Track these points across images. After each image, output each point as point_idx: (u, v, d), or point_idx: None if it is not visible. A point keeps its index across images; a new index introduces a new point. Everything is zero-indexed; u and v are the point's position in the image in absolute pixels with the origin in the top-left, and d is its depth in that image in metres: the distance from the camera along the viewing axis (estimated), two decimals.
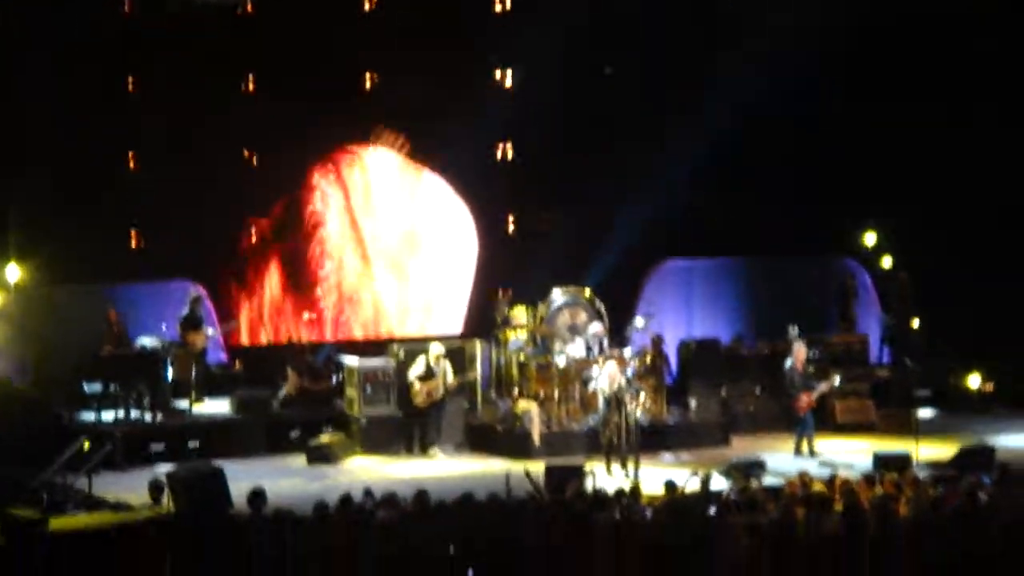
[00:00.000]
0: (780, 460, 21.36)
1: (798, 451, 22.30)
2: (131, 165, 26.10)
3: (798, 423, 22.41)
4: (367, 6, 27.36)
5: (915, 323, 26.66)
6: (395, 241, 27.87)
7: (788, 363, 22.82)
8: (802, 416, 22.38)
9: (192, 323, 24.26)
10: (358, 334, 27.41)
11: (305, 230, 27.28)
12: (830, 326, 26.68)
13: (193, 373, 24.09)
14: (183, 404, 23.72)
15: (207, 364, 24.89)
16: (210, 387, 24.60)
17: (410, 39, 26.75)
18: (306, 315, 26.70)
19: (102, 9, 25.26)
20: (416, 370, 23.03)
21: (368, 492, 16.49)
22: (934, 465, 20.18)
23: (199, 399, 24.11)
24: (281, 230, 27.13)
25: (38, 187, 23.74)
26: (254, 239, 26.97)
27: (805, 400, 22.40)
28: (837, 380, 22.98)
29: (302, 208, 27.26)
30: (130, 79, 25.87)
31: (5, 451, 19.82)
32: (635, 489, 16.56)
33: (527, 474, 17.81)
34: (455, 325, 27.83)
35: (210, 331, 24.61)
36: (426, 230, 28.10)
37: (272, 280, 27.03)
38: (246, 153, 26.78)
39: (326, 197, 27.41)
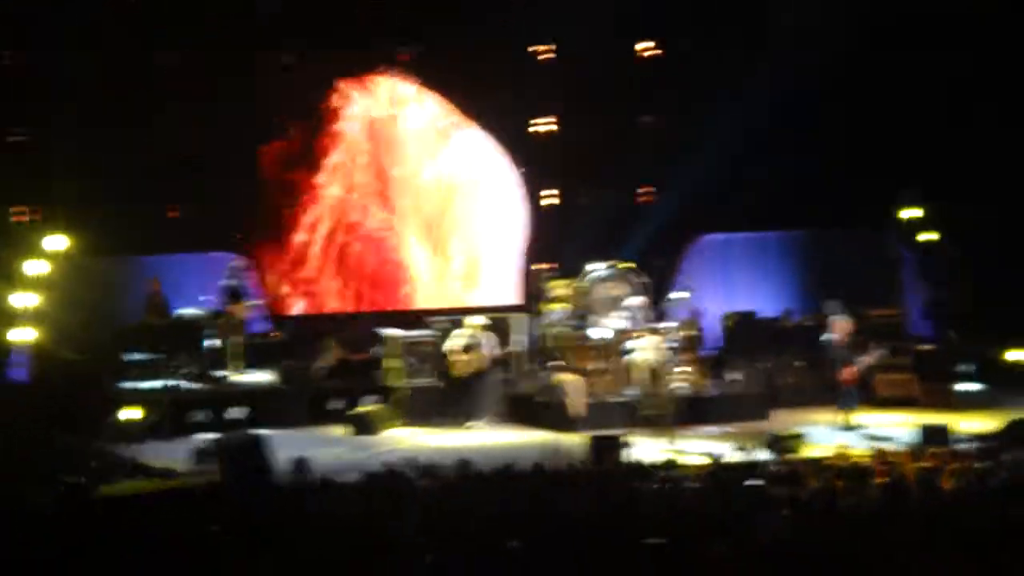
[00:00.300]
0: (821, 433, 21.38)
1: (843, 425, 22.32)
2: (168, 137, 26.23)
3: (842, 396, 22.45)
4: None
5: (959, 296, 26.57)
6: (436, 205, 27.80)
7: (825, 337, 22.83)
8: (845, 389, 22.42)
9: (233, 293, 24.40)
10: (399, 305, 27.43)
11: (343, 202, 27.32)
12: (871, 299, 26.60)
13: (233, 343, 24.25)
14: (224, 373, 23.88)
15: (249, 334, 25.02)
16: (252, 357, 24.73)
17: (450, 13, 26.78)
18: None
19: None
20: (457, 341, 23.11)
21: (410, 463, 16.60)
22: (978, 438, 20.17)
23: (241, 369, 24.25)
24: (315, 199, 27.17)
25: (82, 158, 23.89)
26: (293, 207, 27.06)
27: (847, 373, 22.42)
28: (880, 353, 22.96)
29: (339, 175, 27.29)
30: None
31: (52, 419, 20.00)
32: (679, 462, 16.63)
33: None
34: (503, 296, 27.69)
35: (252, 302, 24.74)
36: (469, 191, 28.00)
37: (313, 250, 27.08)
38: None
39: (360, 154, 27.38)
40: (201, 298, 24.12)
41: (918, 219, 27.45)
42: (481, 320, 23.24)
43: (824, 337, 22.80)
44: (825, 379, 23.36)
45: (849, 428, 22.08)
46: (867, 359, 22.68)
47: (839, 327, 22.75)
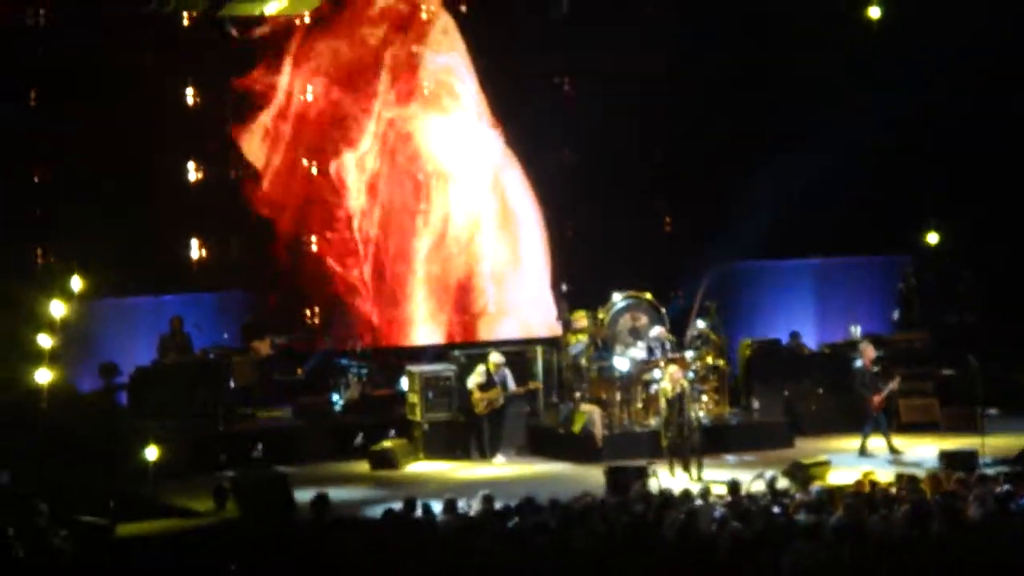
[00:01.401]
0: (844, 460, 21.28)
1: (863, 452, 22.23)
2: (192, 175, 26.18)
3: (870, 423, 22.39)
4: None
5: (979, 321, 26.44)
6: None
7: (858, 363, 22.79)
8: (875, 416, 22.34)
9: (256, 330, 24.35)
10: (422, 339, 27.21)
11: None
12: (892, 325, 26.47)
13: (256, 380, 24.23)
14: (246, 411, 23.83)
15: (271, 371, 24.93)
16: (274, 393, 24.67)
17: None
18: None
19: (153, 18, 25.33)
20: (476, 379, 23.06)
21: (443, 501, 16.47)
22: (1000, 462, 20.04)
23: (265, 406, 24.21)
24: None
25: (101, 198, 23.94)
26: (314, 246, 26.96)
27: (877, 400, 22.38)
28: (899, 379, 22.95)
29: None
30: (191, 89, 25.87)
31: (71, 458, 19.98)
32: (706, 491, 16.52)
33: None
34: (526, 328, 27.38)
35: (274, 339, 24.65)
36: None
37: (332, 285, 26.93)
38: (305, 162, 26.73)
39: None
40: (225, 335, 24.10)
41: (937, 244, 27.36)
42: (497, 357, 23.15)
43: (857, 364, 22.74)
44: (848, 405, 23.29)
45: (888, 453, 21.99)
46: (893, 385, 22.64)
47: (868, 354, 22.70)
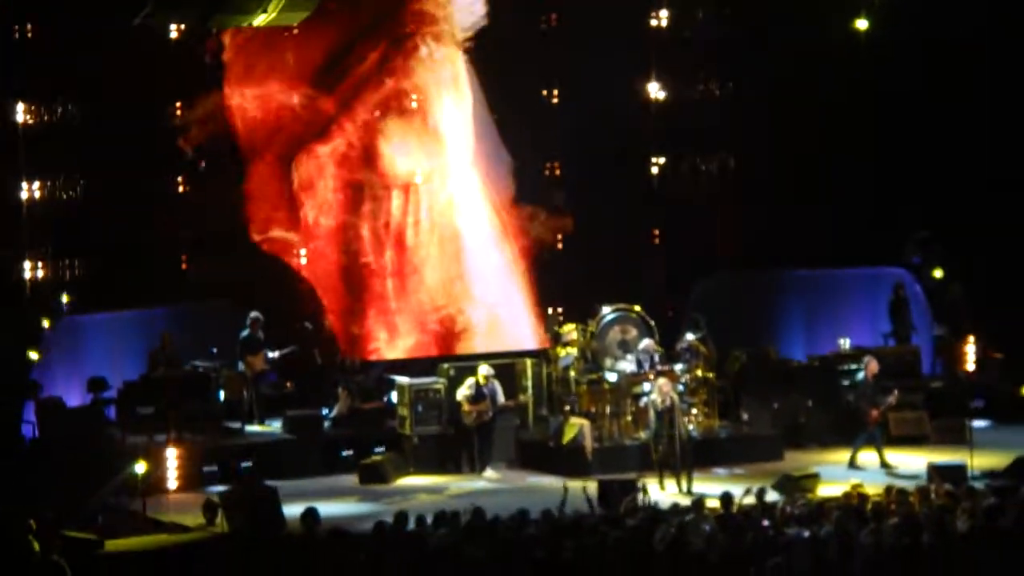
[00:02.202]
0: (833, 472, 21.30)
1: (852, 464, 22.25)
2: (179, 188, 26.18)
3: (863, 436, 22.44)
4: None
5: (968, 334, 26.48)
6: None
7: (860, 376, 22.85)
8: (870, 430, 22.41)
9: (252, 345, 24.31)
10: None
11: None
12: (882, 338, 26.49)
13: (248, 395, 24.18)
14: (235, 425, 23.78)
15: (262, 385, 24.84)
16: (263, 408, 24.61)
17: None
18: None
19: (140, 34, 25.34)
20: (466, 391, 23.03)
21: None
22: (989, 475, 20.05)
23: (258, 420, 24.16)
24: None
25: (90, 212, 23.95)
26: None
27: (875, 414, 22.42)
28: (897, 394, 23.04)
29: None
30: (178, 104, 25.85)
31: (60, 473, 19.95)
32: (699, 503, 16.51)
33: (584, 490, 17.76)
34: (515, 341, 27.35)
35: (269, 353, 24.58)
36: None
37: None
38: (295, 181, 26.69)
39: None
40: (213, 350, 24.05)
41: (926, 257, 27.41)
42: (486, 370, 23.13)
43: (859, 377, 22.83)
44: (837, 418, 23.33)
45: (880, 467, 22.07)
46: (891, 399, 22.68)
47: (871, 368, 22.75)
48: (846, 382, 24.37)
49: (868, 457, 22.39)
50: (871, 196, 26.90)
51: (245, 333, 24.37)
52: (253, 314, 24.55)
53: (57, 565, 14.61)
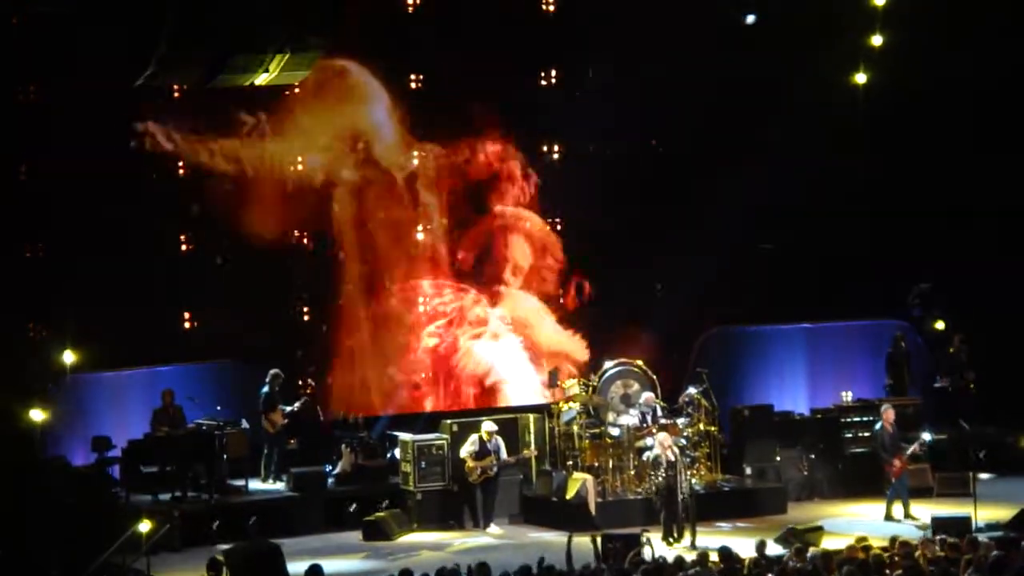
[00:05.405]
0: (837, 525, 21.30)
1: (888, 516, 22.29)
2: (181, 247, 26.21)
3: (892, 487, 22.51)
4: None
5: (970, 385, 26.49)
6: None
7: (878, 427, 22.86)
8: (895, 481, 22.45)
9: (272, 402, 24.28)
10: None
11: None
12: (883, 390, 26.49)
13: (268, 451, 24.22)
14: (239, 483, 23.77)
15: (284, 442, 24.77)
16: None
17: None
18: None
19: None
20: (469, 447, 23.05)
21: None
22: (993, 527, 20.04)
23: (275, 478, 24.14)
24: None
25: (91, 271, 23.96)
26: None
27: (898, 464, 22.41)
28: (927, 437, 23.06)
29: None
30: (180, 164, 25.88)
31: (64, 532, 19.92)
32: (703, 557, 16.53)
33: (593, 540, 17.74)
34: (518, 396, 27.28)
35: (286, 408, 24.54)
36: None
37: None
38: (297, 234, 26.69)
39: None
40: (218, 408, 24.06)
41: (926, 309, 27.44)
42: (490, 426, 23.15)
43: (876, 427, 22.88)
44: (840, 471, 23.34)
45: (903, 519, 22.12)
46: (916, 447, 22.73)
47: (888, 416, 22.77)
48: (849, 434, 24.44)
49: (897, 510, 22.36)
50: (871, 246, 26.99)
51: (265, 390, 24.34)
52: (273, 371, 24.54)
53: None
